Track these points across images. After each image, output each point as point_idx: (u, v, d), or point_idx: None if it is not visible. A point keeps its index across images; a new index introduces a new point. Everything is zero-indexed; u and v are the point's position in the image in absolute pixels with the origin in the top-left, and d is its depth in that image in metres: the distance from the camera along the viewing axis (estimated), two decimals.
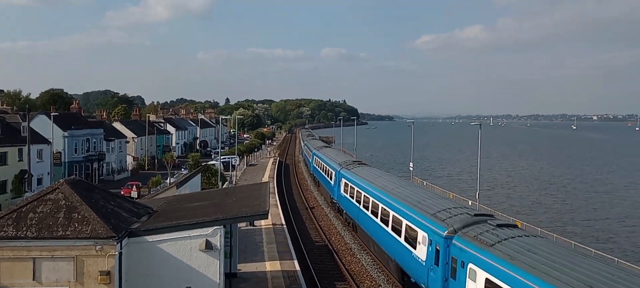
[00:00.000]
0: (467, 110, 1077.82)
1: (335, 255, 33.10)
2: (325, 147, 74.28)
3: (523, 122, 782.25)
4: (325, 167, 51.85)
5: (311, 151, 71.22)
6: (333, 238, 37.80)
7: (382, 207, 28.24)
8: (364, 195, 32.50)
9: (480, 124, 47.33)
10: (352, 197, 36.04)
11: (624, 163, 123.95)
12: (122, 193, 44.78)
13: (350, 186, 37.08)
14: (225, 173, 62.96)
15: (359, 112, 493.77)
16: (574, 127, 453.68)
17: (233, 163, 70.82)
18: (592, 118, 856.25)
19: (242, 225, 33.48)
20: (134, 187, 55.96)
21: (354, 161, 46.80)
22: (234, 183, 58.54)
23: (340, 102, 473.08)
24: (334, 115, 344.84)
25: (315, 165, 63.16)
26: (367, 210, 31.25)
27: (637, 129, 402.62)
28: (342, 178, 40.70)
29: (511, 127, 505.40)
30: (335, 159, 49.84)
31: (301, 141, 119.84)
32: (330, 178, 47.35)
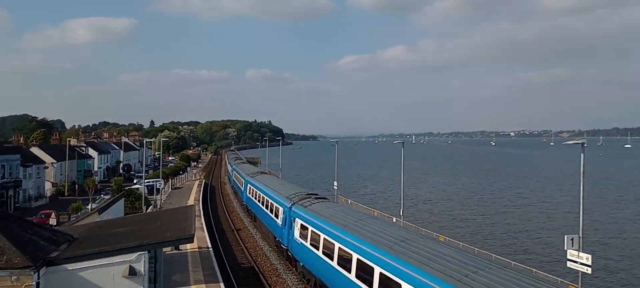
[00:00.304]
0: (390, 128, 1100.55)
1: (261, 276, 33.07)
2: (262, 173, 63.37)
3: (444, 139, 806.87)
4: (267, 201, 41.73)
5: (243, 178, 60.81)
6: (259, 260, 37.75)
7: (381, 273, 18.94)
8: (340, 248, 23.27)
9: (402, 142, 48.92)
10: (316, 248, 26.70)
11: (539, 177, 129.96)
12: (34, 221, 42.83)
13: (313, 231, 27.57)
14: (149, 197, 61.62)
15: (284, 132, 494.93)
16: (493, 144, 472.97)
17: (157, 187, 69.40)
18: (509, 134, 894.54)
19: (167, 249, 32.89)
20: (53, 214, 53.66)
21: (308, 194, 36.30)
22: (158, 207, 57.37)
23: (266, 122, 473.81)
24: (259, 135, 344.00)
25: (249, 196, 53.10)
26: (348, 271, 22.11)
27: (552, 144, 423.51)
28: (297, 219, 30.99)
29: (433, 145, 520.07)
30: (281, 191, 39.97)
31: (228, 165, 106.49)
32: (276, 216, 37.08)
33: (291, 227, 32.29)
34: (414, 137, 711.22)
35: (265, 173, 66.84)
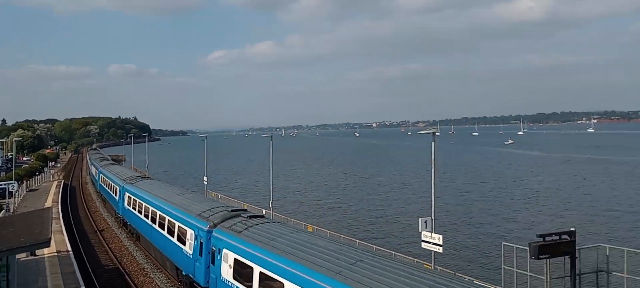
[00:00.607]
0: (261, 122, 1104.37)
1: (127, 277, 31.94)
2: (145, 178, 49.86)
3: (313, 131, 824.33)
4: (162, 217, 31.06)
5: (118, 185, 48.29)
6: (125, 260, 36.40)
7: None
8: None
9: (271, 136, 49.68)
10: None
11: (398, 165, 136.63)
12: None
13: (265, 275, 17.68)
14: (1, 201, 57.14)
15: (152, 128, 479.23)
16: (357, 135, 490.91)
17: (10, 190, 64.42)
18: (372, 125, 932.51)
19: (21, 256, 30.73)
20: None
21: (234, 211, 25.13)
22: (11, 211, 53.31)
23: (131, 118, 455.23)
24: (124, 132, 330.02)
25: (129, 208, 41.68)
26: None
27: (409, 133, 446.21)
28: (227, 251, 21.01)
29: (302, 137, 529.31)
30: (186, 207, 28.56)
31: (91, 166, 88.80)
32: (182, 242, 26.61)
33: (213, 261, 22.34)
34: (283, 130, 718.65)
35: (150, 178, 52.54)
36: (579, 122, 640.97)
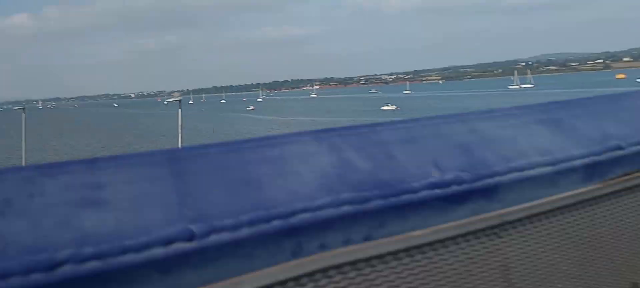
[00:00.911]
0: (15, 95, 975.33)
1: None
2: None
3: (72, 103, 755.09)
4: None
5: None
6: None
7: None
8: None
9: (24, 108, 47.65)
10: None
11: (153, 132, 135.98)
12: None
13: None
14: None
15: None
16: (116, 105, 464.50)
17: None
18: (131, 96, 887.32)
19: None
20: None
21: None
22: None
23: None
24: None
25: None
26: None
27: (166, 103, 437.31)
28: None
29: (61, 109, 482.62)
30: None
31: None
32: None
33: None
34: (40, 102, 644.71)
35: None
36: (304, 88, 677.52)
